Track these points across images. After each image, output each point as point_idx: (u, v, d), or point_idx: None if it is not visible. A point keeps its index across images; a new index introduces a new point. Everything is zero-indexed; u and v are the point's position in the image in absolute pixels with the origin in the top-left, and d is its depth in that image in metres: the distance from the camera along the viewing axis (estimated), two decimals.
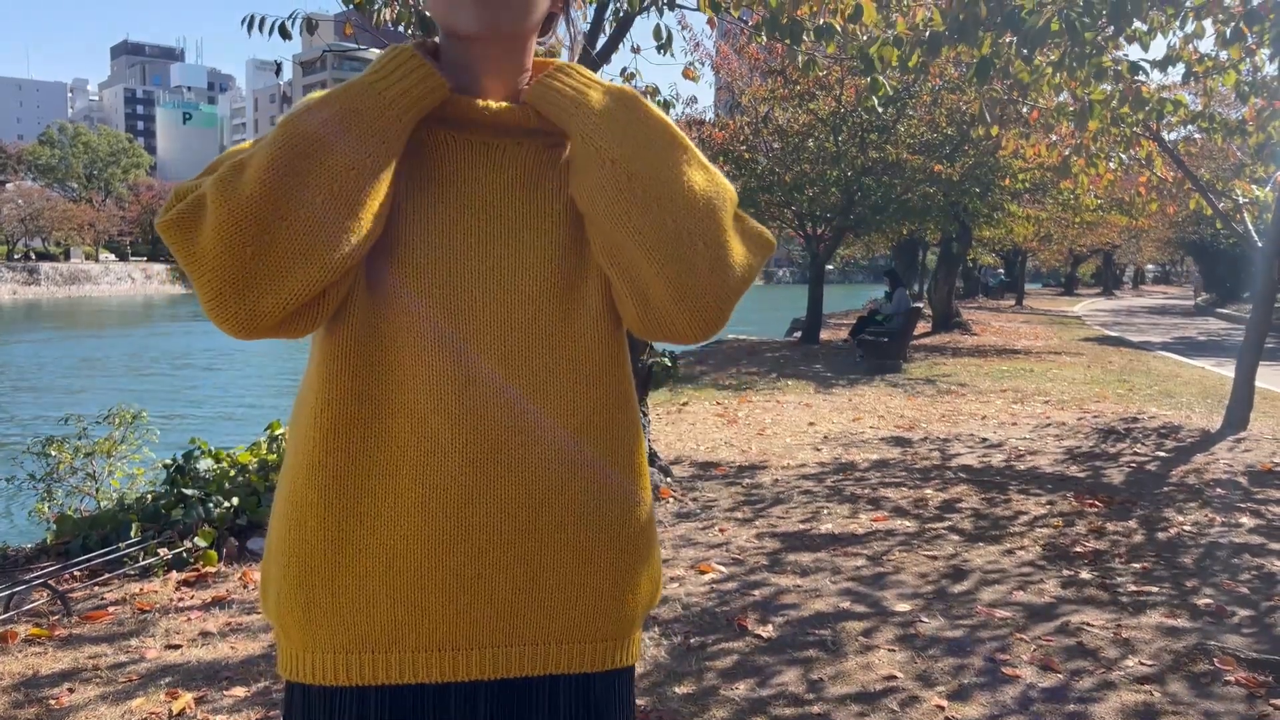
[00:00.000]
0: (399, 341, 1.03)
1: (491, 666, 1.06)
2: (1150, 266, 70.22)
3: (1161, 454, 6.95)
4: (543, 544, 1.06)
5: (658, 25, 5.07)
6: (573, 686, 1.10)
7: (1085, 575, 4.13)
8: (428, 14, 4.66)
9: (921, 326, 17.98)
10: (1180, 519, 5.11)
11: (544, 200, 1.09)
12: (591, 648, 1.10)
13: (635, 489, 1.13)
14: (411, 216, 1.06)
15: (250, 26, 4.65)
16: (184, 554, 4.14)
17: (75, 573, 3.98)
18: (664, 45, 5.10)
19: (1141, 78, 5.82)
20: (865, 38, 4.94)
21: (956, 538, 4.69)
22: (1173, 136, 9.11)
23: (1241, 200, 8.43)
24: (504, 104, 1.09)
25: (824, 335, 17.46)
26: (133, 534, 4.20)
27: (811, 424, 8.12)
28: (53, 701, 2.85)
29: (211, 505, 4.39)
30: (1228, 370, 10.79)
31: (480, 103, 1.08)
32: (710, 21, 5.21)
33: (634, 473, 1.13)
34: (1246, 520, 5.09)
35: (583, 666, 1.09)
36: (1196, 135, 8.49)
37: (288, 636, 1.08)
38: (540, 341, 1.05)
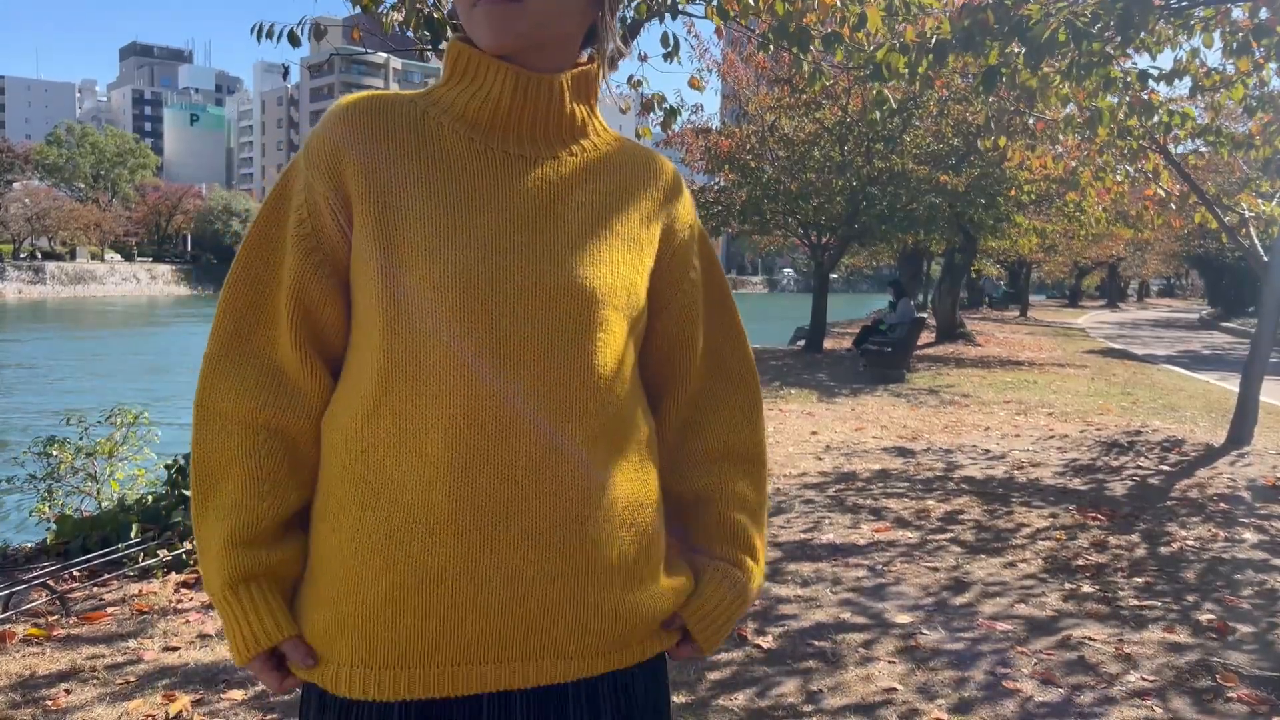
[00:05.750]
0: (436, 355, 1.01)
1: (522, 678, 1.04)
2: (1155, 279, 70.17)
3: (1165, 468, 6.93)
4: (577, 561, 1.05)
5: (665, 32, 5.07)
6: (611, 685, 1.10)
7: (1087, 589, 4.11)
8: (434, 17, 4.67)
9: (925, 337, 17.97)
10: (1183, 533, 5.09)
11: (582, 221, 1.09)
12: (628, 650, 1.11)
13: (658, 498, 1.16)
14: (449, 231, 1.03)
15: (260, 35, 4.66)
16: (184, 556, 4.13)
17: (74, 573, 3.98)
18: (671, 53, 5.11)
19: (1150, 84, 5.81)
20: (871, 47, 4.95)
21: (958, 549, 4.68)
22: (1179, 150, 9.09)
23: (1247, 214, 8.41)
24: (545, 116, 1.09)
25: (827, 344, 17.46)
26: (133, 535, 4.20)
27: (814, 433, 8.10)
28: (49, 702, 2.84)
29: None
30: (1232, 384, 10.77)
31: (518, 115, 1.08)
32: (717, 30, 5.22)
33: (656, 482, 1.16)
34: (1249, 535, 5.07)
35: (621, 664, 1.10)
36: (1203, 149, 8.46)
37: (322, 649, 1.06)
38: (581, 360, 1.05)
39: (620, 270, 1.09)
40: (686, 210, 1.21)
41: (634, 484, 1.11)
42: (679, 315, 1.20)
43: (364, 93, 1.13)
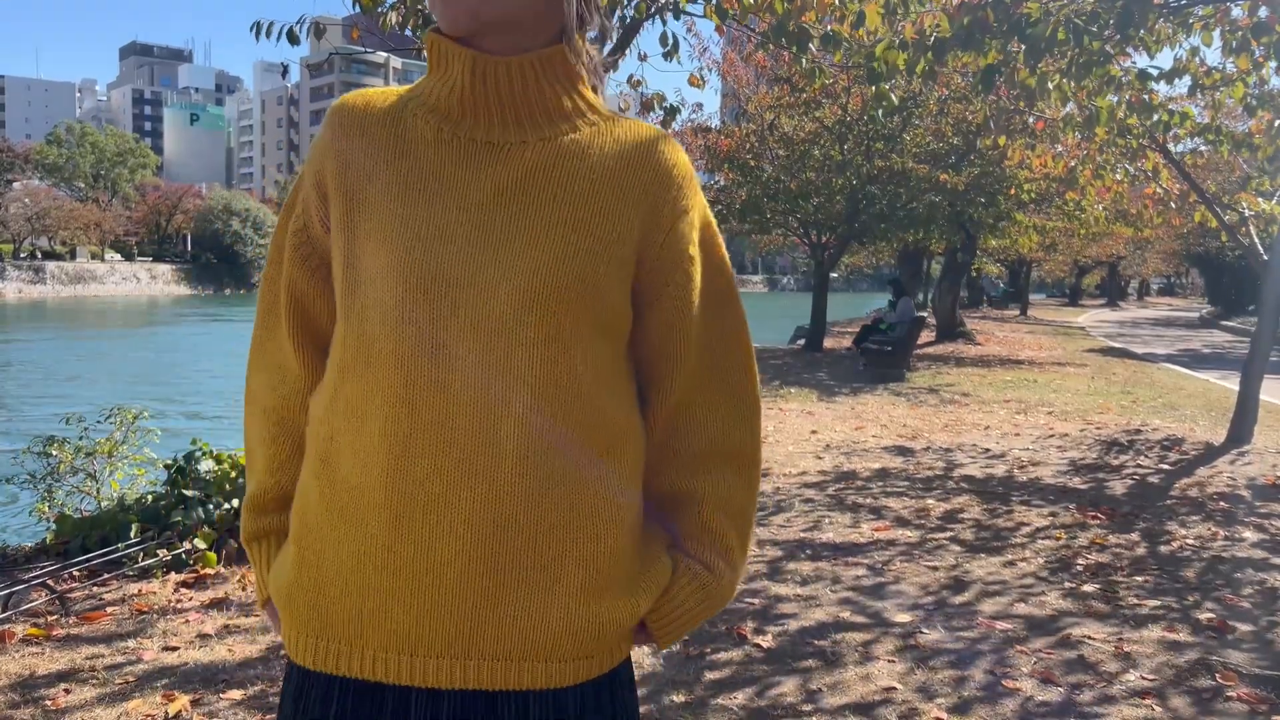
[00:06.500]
0: (380, 344, 1.03)
1: (449, 676, 1.04)
2: (1155, 278, 70.17)
3: (1165, 467, 6.92)
4: (508, 559, 1.03)
5: (664, 32, 5.07)
6: (545, 701, 1.05)
7: (1087, 588, 4.11)
8: (434, 16, 4.68)
9: (925, 336, 17.97)
10: (1183, 532, 5.08)
11: (540, 207, 1.05)
12: (561, 666, 1.05)
13: (616, 506, 1.08)
14: (401, 221, 1.05)
15: (259, 33, 4.66)
16: (183, 555, 4.13)
17: (74, 573, 3.97)
18: (670, 52, 5.10)
19: (1150, 84, 5.81)
20: (870, 47, 4.94)
21: (958, 548, 4.68)
22: (1179, 149, 9.09)
23: (1247, 213, 8.41)
24: (514, 103, 1.07)
25: (827, 343, 17.46)
26: (132, 535, 4.20)
27: (814, 432, 8.10)
28: (49, 702, 2.84)
29: (211, 507, 4.39)
30: (1232, 383, 10.77)
31: (482, 101, 1.06)
32: (718, 28, 5.22)
33: (615, 489, 1.08)
34: (1249, 534, 5.07)
35: (550, 683, 1.05)
36: (1203, 148, 8.46)
37: (280, 611, 1.13)
38: (521, 352, 1.02)
39: (572, 261, 1.04)
40: (684, 199, 1.12)
41: (586, 489, 1.06)
42: (669, 310, 1.13)
43: (355, 91, 1.16)
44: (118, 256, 61.02)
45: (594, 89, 1.15)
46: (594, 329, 1.06)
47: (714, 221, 1.18)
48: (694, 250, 1.13)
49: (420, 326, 1.02)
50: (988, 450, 7.44)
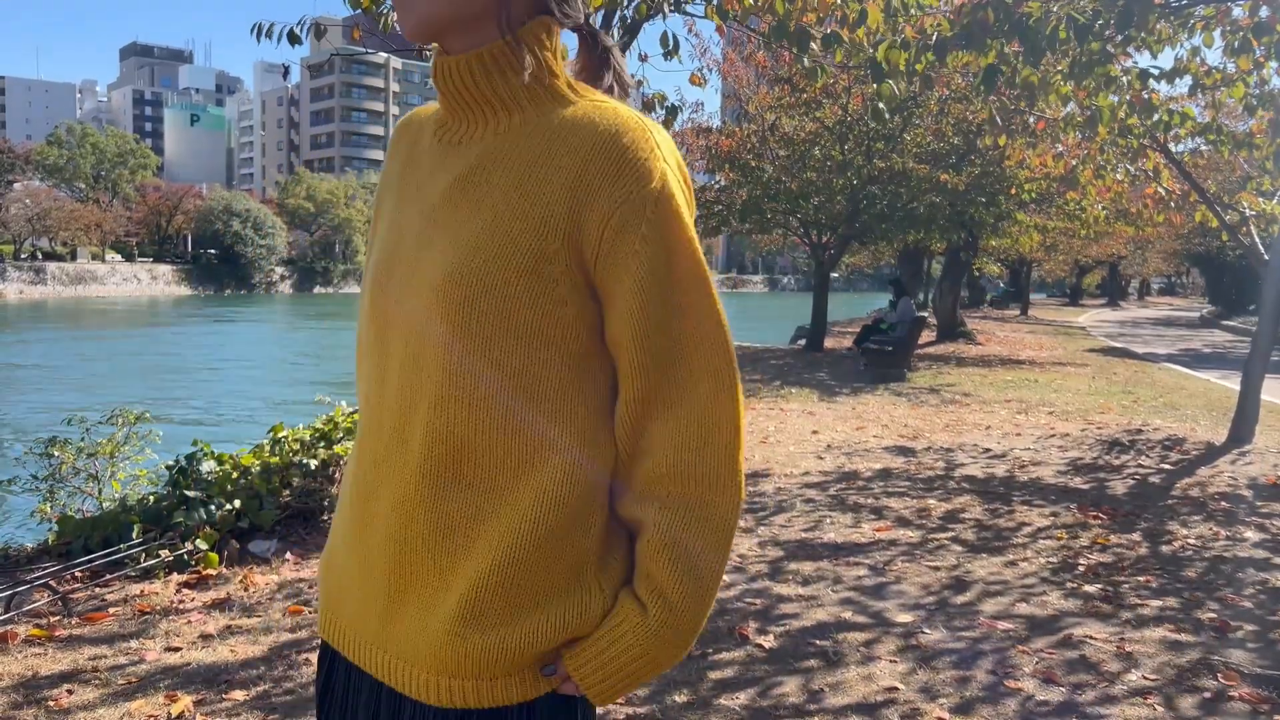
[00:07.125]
0: (362, 342, 1.14)
1: (372, 664, 1.09)
2: (1156, 278, 70.16)
3: (1166, 466, 6.92)
4: (411, 557, 1.04)
5: (665, 32, 5.06)
6: (423, 715, 1.03)
7: (1088, 588, 4.11)
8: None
9: (926, 336, 17.96)
10: (1184, 532, 5.08)
11: (469, 203, 1.03)
12: (437, 680, 1.02)
13: (526, 520, 1.00)
14: (388, 225, 1.14)
15: (260, 34, 4.66)
16: (185, 556, 4.13)
17: (76, 573, 3.98)
18: (671, 52, 5.10)
19: (1151, 84, 5.81)
20: (871, 46, 4.94)
21: (959, 548, 4.68)
22: (1180, 149, 9.09)
23: (1248, 213, 8.42)
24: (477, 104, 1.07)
25: (828, 343, 17.46)
26: (134, 535, 4.20)
27: (815, 432, 8.10)
28: (52, 703, 2.84)
29: (213, 508, 4.39)
30: (1233, 383, 10.77)
31: (448, 102, 1.09)
32: (718, 28, 5.22)
33: (528, 502, 1.01)
34: (1251, 534, 5.07)
35: (426, 697, 1.02)
36: (1204, 148, 8.47)
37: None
38: (430, 352, 1.02)
39: (484, 257, 0.99)
40: (624, 183, 0.98)
41: (491, 497, 1.01)
42: (620, 313, 1.01)
43: (418, 107, 1.25)
44: (118, 257, 61.01)
45: (600, 78, 1.10)
46: (516, 330, 0.99)
47: (679, 209, 1.00)
48: (641, 245, 0.98)
49: (377, 326, 1.09)
50: (989, 450, 7.44)
